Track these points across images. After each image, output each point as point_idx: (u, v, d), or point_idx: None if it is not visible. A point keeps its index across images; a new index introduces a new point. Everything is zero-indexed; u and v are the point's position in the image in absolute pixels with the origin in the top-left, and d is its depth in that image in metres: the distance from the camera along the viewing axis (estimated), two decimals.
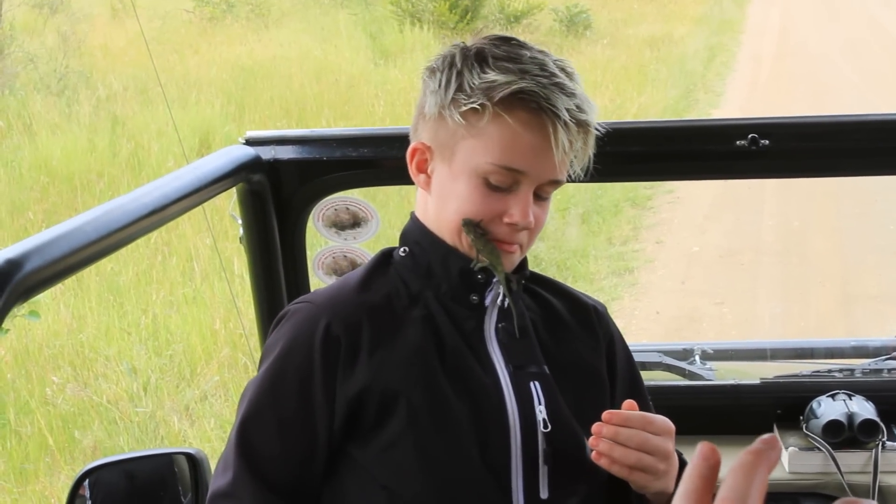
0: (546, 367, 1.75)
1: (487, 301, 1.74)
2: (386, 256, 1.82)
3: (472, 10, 18.03)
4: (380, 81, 13.72)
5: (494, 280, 1.72)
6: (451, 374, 1.68)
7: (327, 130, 2.39)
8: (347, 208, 2.37)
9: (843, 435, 2.55)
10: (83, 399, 5.98)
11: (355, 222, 2.38)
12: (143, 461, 2.12)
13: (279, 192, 2.31)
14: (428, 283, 1.74)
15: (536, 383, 1.72)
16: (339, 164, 2.30)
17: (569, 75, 1.66)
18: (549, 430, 1.69)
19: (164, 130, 10.80)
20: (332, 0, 20.66)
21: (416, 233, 1.78)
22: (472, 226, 1.67)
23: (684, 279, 8.09)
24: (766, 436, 0.72)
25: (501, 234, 1.68)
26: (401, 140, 2.32)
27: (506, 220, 1.66)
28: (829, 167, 2.46)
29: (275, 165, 2.28)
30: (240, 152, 2.23)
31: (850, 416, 2.55)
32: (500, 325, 1.74)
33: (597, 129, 1.69)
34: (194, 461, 2.04)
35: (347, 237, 2.40)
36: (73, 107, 12.28)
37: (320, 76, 13.72)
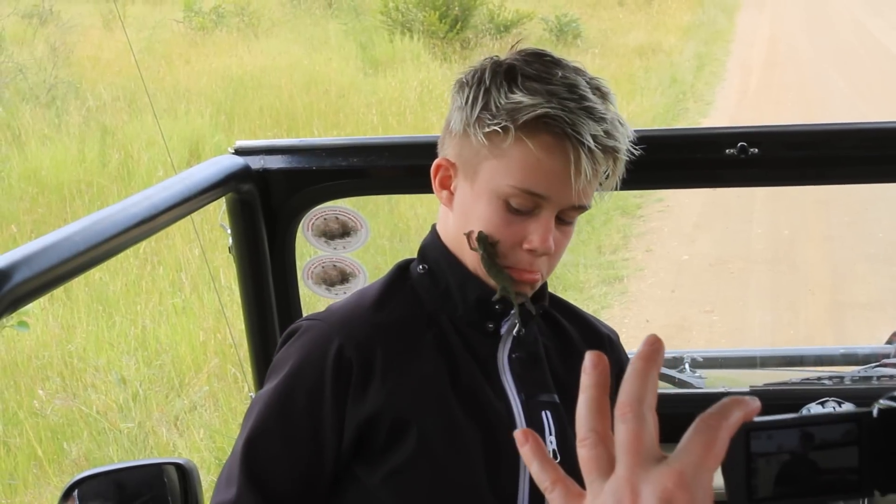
0: (556, 396, 1.74)
1: (503, 330, 1.73)
2: (402, 270, 1.78)
3: (462, 19, 18.07)
4: (370, 91, 13.73)
5: (512, 312, 1.70)
6: (465, 401, 1.67)
7: (316, 140, 2.38)
8: (337, 218, 2.37)
9: None
10: (72, 410, 5.97)
11: (345, 232, 2.38)
12: (132, 471, 2.11)
13: (268, 201, 2.30)
14: (444, 305, 1.72)
15: (547, 412, 1.71)
16: (328, 173, 2.30)
17: (603, 95, 1.62)
18: (558, 460, 1.67)
19: (154, 140, 10.79)
20: (323, 10, 20.71)
21: (435, 250, 1.74)
22: (485, 243, 1.65)
23: (674, 288, 8.10)
24: (649, 337, 0.80)
25: (522, 263, 1.65)
26: (390, 149, 2.33)
27: (525, 246, 1.63)
28: (819, 175, 2.46)
29: (264, 175, 2.28)
30: (229, 162, 2.22)
31: None
32: (513, 356, 1.72)
33: (629, 153, 1.65)
34: (184, 471, 2.02)
35: (337, 247, 2.39)
36: (63, 117, 12.26)
37: (310, 86, 13.72)
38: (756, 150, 2.19)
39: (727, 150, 2.19)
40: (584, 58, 17.30)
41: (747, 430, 0.80)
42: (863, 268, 8.15)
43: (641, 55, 17.73)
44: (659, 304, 7.71)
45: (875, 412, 0.83)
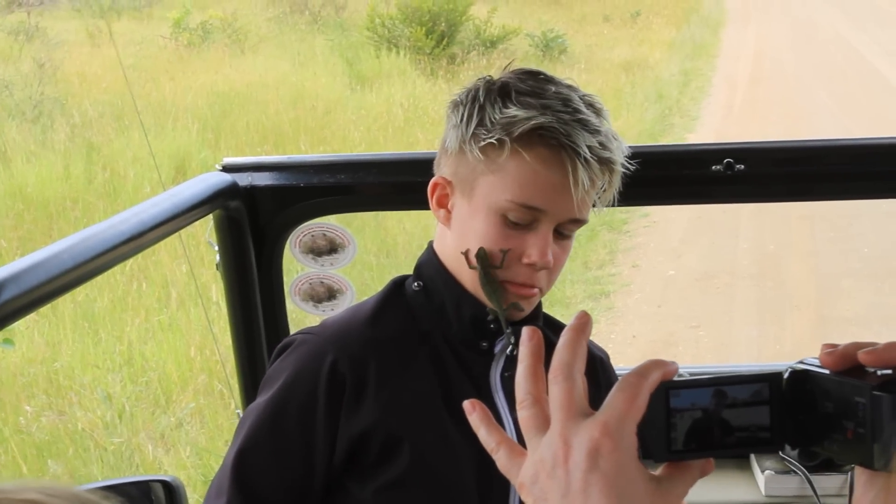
0: None
1: (497, 349, 1.73)
2: (398, 287, 1.79)
3: (449, 35, 18.09)
4: (357, 107, 13.73)
5: (508, 331, 1.70)
6: (457, 419, 1.65)
7: (304, 157, 2.39)
8: (324, 234, 2.37)
9: (819, 458, 2.56)
10: (57, 427, 5.94)
11: (332, 248, 2.38)
12: (118, 489, 2.10)
13: (256, 218, 2.30)
14: (438, 323, 1.73)
15: None
16: (315, 190, 2.30)
17: (596, 111, 1.64)
18: None
19: (140, 157, 10.77)
20: (308, 26, 20.71)
21: (431, 268, 1.75)
22: (484, 260, 1.65)
23: (660, 303, 8.11)
24: (579, 312, 0.91)
25: (521, 277, 1.66)
26: (378, 166, 2.34)
27: (524, 260, 1.64)
28: (805, 191, 2.48)
29: (251, 192, 2.28)
30: (216, 179, 2.22)
31: None
32: (506, 374, 1.72)
33: (624, 167, 1.67)
34: (171, 489, 2.02)
35: (324, 263, 2.39)
36: (48, 133, 12.23)
37: (297, 102, 13.72)
38: (742, 166, 2.20)
39: (713, 167, 2.20)
40: (570, 73, 17.03)
41: (666, 389, 0.87)
42: (848, 283, 8.17)
43: (627, 70, 17.77)
44: (645, 320, 7.72)
45: (786, 374, 0.90)
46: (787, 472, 2.57)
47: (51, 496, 0.75)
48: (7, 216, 9.61)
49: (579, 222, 1.68)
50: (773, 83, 17.57)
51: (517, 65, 1.73)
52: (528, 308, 1.71)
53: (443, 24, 18.08)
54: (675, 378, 0.89)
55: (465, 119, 1.65)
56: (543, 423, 0.88)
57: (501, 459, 0.92)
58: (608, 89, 15.79)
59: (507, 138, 1.60)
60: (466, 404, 0.96)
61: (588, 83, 16.02)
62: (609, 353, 1.96)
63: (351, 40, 18.75)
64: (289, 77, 15.32)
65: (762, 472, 2.58)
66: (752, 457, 2.66)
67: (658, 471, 0.87)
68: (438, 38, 17.89)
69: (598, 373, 1.85)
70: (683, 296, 8.22)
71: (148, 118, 12.36)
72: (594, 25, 22.92)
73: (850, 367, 0.87)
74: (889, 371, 0.85)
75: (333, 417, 1.64)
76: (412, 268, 1.81)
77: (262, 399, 1.69)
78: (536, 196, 1.61)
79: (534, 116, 1.59)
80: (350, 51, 17.71)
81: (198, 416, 6.13)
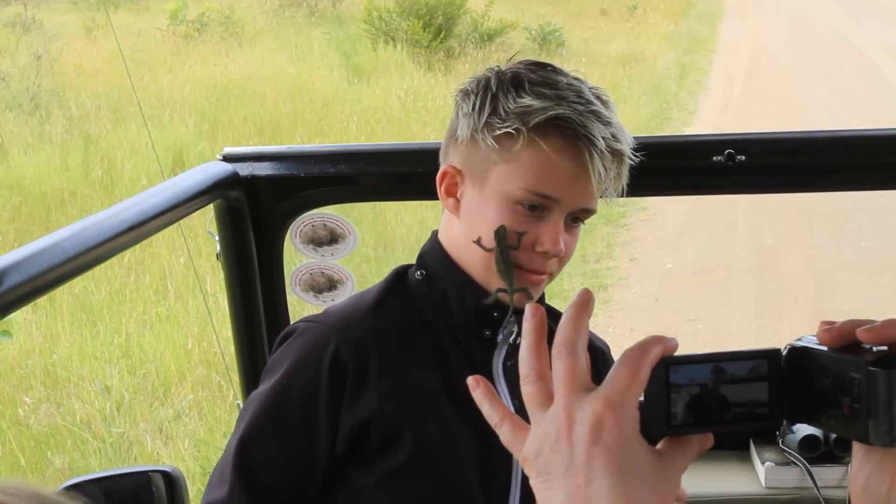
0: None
1: (499, 338, 1.73)
2: (400, 276, 1.79)
3: (446, 28, 18.07)
4: (354, 100, 13.71)
5: (510, 319, 1.70)
6: (459, 408, 1.66)
7: (305, 147, 2.38)
8: (325, 224, 2.37)
9: (819, 449, 2.56)
10: (56, 419, 5.94)
11: (333, 238, 2.38)
12: (118, 479, 2.09)
13: (257, 208, 2.30)
14: (441, 312, 1.73)
15: None
16: (316, 180, 2.30)
17: (604, 103, 1.66)
18: None
19: (138, 149, 10.75)
20: (306, 19, 20.70)
21: (434, 257, 1.75)
22: (503, 239, 1.65)
23: (658, 296, 8.11)
24: (581, 290, 0.92)
25: (534, 264, 1.66)
26: (379, 157, 2.33)
27: (538, 248, 1.65)
28: (805, 182, 2.48)
29: (252, 182, 2.27)
30: (217, 168, 2.22)
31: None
32: (508, 363, 1.73)
33: (631, 159, 1.68)
34: (171, 479, 2.01)
35: (325, 253, 2.39)
36: (46, 126, 12.22)
37: (294, 95, 13.70)
38: (743, 157, 2.19)
39: (714, 158, 2.20)
40: (567, 67, 17.07)
41: (667, 364, 0.88)
42: (845, 277, 8.17)
43: (624, 64, 17.76)
44: (643, 313, 7.72)
45: (784, 351, 0.91)
46: (788, 463, 2.57)
47: (12, 496, 0.75)
48: (4, 208, 9.60)
49: (589, 211, 1.68)
50: (771, 78, 17.56)
51: (518, 58, 1.73)
52: (535, 295, 1.71)
53: (440, 18, 18.06)
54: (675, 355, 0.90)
55: (477, 108, 1.64)
56: (547, 397, 0.89)
57: (505, 434, 0.92)
58: (605, 83, 15.58)
59: (523, 128, 1.60)
60: (470, 380, 0.96)
61: (585, 77, 15.96)
62: None
63: (348, 33, 18.73)
64: (286, 70, 15.30)
65: (762, 463, 2.58)
66: (753, 448, 2.66)
67: (658, 445, 0.89)
68: (436, 31, 17.88)
69: (599, 364, 1.85)
70: (681, 289, 8.22)
71: (145, 110, 12.34)
72: (591, 19, 22.92)
73: (847, 343, 0.89)
74: (885, 347, 0.86)
75: (335, 405, 1.64)
76: (410, 260, 1.81)
77: (264, 387, 1.70)
78: (550, 185, 1.62)
79: (550, 107, 1.60)
80: (347, 44, 17.69)
81: (196, 408, 6.13)
